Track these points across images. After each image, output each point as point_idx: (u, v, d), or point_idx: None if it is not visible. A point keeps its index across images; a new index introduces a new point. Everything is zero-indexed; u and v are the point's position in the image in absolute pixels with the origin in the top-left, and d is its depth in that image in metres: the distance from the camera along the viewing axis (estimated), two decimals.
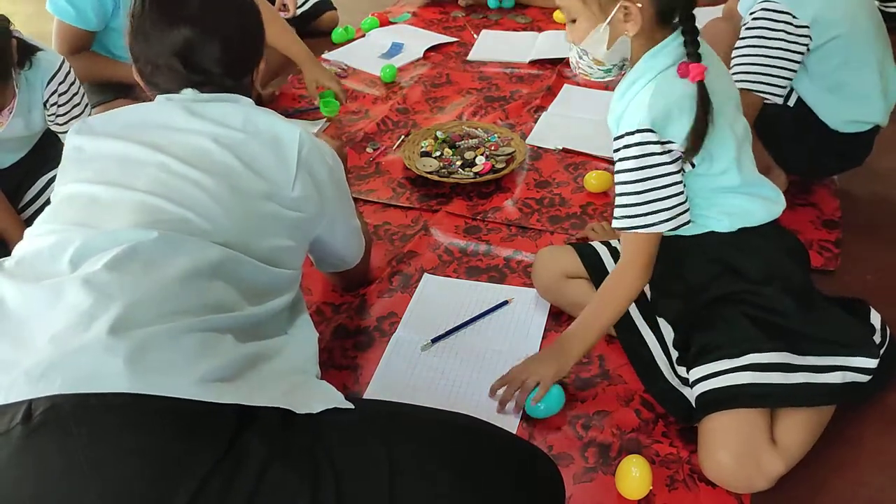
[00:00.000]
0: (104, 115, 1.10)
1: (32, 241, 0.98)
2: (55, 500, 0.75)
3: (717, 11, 1.98)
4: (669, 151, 1.11)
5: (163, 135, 1.05)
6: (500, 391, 1.22)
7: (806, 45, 1.51)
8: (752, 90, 1.53)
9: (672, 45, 1.13)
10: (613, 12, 1.11)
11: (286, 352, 0.99)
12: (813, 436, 1.15)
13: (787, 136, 1.61)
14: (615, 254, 1.36)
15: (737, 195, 1.20)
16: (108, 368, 0.80)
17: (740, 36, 1.57)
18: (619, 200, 1.16)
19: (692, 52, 1.10)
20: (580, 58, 1.22)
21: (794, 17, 1.49)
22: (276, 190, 1.06)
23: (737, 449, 1.08)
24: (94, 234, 0.93)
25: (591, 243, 1.42)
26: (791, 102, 1.59)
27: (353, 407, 0.91)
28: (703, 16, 1.48)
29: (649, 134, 1.10)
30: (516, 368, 1.23)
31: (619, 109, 1.17)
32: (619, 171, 1.15)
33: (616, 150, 1.15)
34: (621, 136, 1.13)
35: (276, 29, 2.07)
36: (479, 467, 0.87)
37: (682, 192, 1.14)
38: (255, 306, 0.99)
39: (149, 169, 1.01)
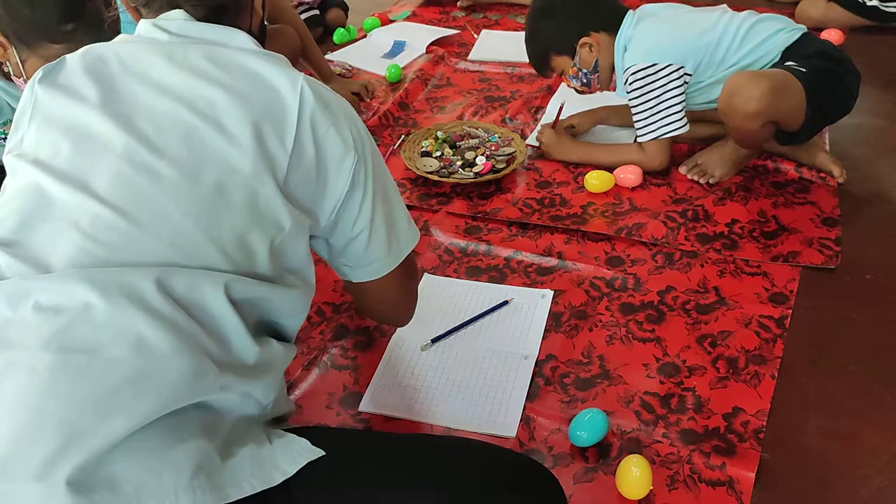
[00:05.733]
0: (80, 54, 0.90)
1: None
2: None
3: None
4: None
5: (137, 95, 0.85)
6: None
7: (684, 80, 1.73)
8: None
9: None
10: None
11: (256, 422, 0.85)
12: None
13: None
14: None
15: None
16: None
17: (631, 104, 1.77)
18: None
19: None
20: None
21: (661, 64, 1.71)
22: (270, 175, 0.84)
23: None
24: (26, 282, 0.74)
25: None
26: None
27: (324, 454, 0.81)
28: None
29: None
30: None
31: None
32: None
33: None
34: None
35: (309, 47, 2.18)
36: (478, 494, 0.81)
37: None
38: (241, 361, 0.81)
39: (110, 158, 0.81)
